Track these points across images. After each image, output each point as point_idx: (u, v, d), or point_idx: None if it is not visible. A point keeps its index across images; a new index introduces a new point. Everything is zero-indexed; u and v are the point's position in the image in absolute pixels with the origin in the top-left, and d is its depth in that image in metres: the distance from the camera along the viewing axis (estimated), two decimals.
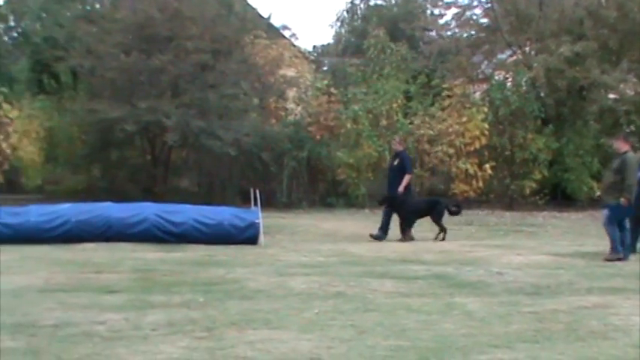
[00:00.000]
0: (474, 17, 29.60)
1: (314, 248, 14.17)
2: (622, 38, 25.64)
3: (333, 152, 24.68)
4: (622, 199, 12.30)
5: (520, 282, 9.95)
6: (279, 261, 12.12)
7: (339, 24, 44.92)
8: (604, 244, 12.84)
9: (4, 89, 23.86)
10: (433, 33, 32.47)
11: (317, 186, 25.95)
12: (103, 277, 10.12)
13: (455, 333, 6.98)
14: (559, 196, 25.80)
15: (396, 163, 16.37)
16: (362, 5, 43.91)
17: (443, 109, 25.36)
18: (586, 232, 17.49)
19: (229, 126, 22.59)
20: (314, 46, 45.06)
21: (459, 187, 24.41)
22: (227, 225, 14.78)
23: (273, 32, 29.10)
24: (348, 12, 44.37)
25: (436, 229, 15.97)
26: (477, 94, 27.17)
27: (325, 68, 35.33)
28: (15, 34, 31.58)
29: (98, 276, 10.25)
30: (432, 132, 24.57)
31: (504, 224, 20.35)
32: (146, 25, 23.27)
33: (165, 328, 7.10)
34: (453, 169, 24.53)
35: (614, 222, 12.53)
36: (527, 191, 24.82)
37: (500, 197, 25.51)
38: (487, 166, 24.46)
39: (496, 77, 27.21)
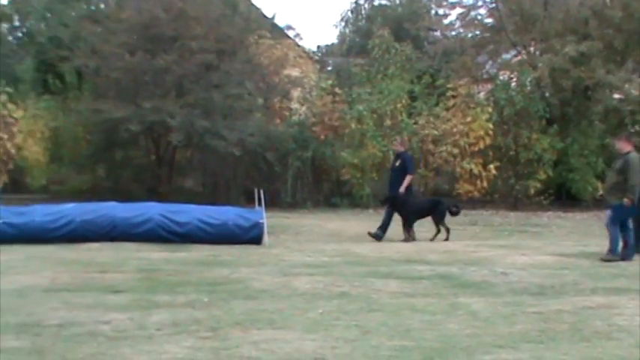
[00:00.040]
0: (479, 17, 29.58)
1: (318, 248, 14.17)
2: (627, 38, 25.59)
3: (337, 152, 24.67)
4: (625, 200, 12.28)
5: (524, 282, 9.94)
6: (284, 261, 12.13)
7: (343, 24, 44.86)
8: (608, 245, 12.82)
9: (9, 89, 23.85)
10: (438, 33, 32.45)
11: (321, 186, 25.95)
12: (108, 277, 10.13)
13: (459, 333, 6.99)
14: (564, 197, 25.77)
15: (397, 164, 16.36)
16: (366, 5, 43.82)
17: (447, 109, 25.33)
18: (591, 233, 17.45)
19: (234, 126, 22.60)
20: (318, 46, 45.07)
21: (463, 187, 24.38)
22: (231, 225, 14.79)
23: (278, 32, 29.13)
24: (352, 12, 44.29)
25: (434, 229, 15.95)
26: (482, 94, 27.12)
27: (330, 68, 35.28)
28: (20, 34, 31.57)
29: (103, 276, 10.27)
30: (436, 132, 24.55)
31: (509, 224, 20.33)
32: (151, 25, 23.29)
33: (170, 327, 7.11)
34: (458, 169, 24.50)
35: (617, 222, 12.53)
36: (532, 191, 24.77)
37: (505, 197, 25.47)
38: (491, 166, 24.42)
39: (501, 77, 27.14)
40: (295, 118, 26.61)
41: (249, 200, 19.01)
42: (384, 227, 15.94)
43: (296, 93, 27.31)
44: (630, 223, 12.66)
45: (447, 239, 15.58)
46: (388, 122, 24.81)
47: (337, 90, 26.03)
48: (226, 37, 24.00)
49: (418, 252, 13.41)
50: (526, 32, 26.97)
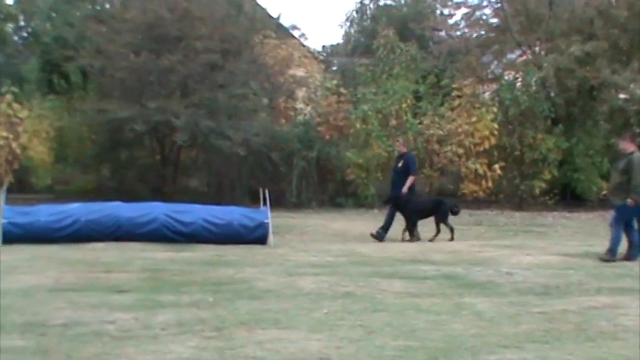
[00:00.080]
0: (484, 17, 29.56)
1: (323, 248, 14.17)
2: (632, 38, 25.52)
3: (342, 152, 24.67)
4: (628, 200, 12.27)
5: (529, 282, 9.93)
6: (289, 261, 12.13)
7: (348, 24, 44.92)
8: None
9: (14, 89, 23.91)
10: (443, 33, 32.42)
11: (326, 186, 25.93)
12: (113, 277, 10.14)
13: (464, 333, 6.98)
14: (569, 197, 25.73)
15: (400, 164, 16.35)
16: (371, 5, 43.86)
17: (452, 109, 25.32)
18: (596, 233, 17.43)
19: (239, 126, 22.59)
20: (323, 46, 45.13)
21: (468, 188, 24.36)
22: (236, 225, 14.80)
23: (283, 32, 29.11)
24: (357, 12, 44.34)
25: (434, 229, 15.95)
26: (487, 94, 27.11)
27: (335, 68, 35.31)
28: (25, 34, 31.62)
29: (108, 275, 10.28)
30: (441, 132, 24.52)
31: (514, 224, 20.30)
32: (156, 25, 23.30)
33: (175, 327, 7.11)
34: (463, 169, 24.48)
35: (621, 223, 12.51)
36: (537, 191, 24.73)
37: (510, 197, 25.44)
38: (496, 166, 24.39)
39: (506, 77, 27.11)
40: (300, 118, 26.61)
41: (254, 200, 19.02)
42: (385, 227, 15.94)
43: (301, 93, 27.31)
44: (635, 223, 12.64)
45: (451, 239, 15.58)
46: (393, 122, 24.80)
47: (342, 90, 26.05)
48: (231, 37, 24.01)
49: (423, 252, 13.40)
50: (531, 32, 26.94)
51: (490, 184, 24.39)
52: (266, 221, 14.87)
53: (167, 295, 8.82)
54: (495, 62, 29.52)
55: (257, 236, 14.73)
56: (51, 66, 27.10)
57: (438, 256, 12.82)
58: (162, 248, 13.54)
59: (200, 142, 23.85)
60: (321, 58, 36.30)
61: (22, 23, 31.23)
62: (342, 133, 25.23)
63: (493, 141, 24.32)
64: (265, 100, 25.61)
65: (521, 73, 26.57)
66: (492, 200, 25.22)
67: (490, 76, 28.64)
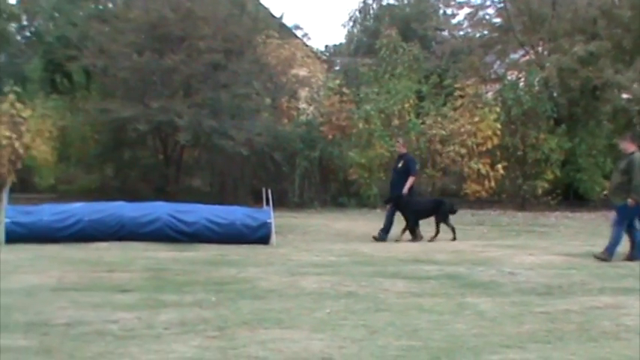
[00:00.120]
0: (487, 17, 29.53)
1: (326, 248, 14.18)
2: (636, 38, 25.51)
3: (345, 152, 24.65)
4: (629, 200, 12.26)
5: (532, 282, 9.94)
6: (291, 260, 12.14)
7: (351, 24, 44.84)
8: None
9: (17, 89, 23.90)
10: (445, 33, 32.43)
11: (329, 186, 25.93)
12: (116, 276, 10.15)
13: (467, 333, 6.99)
14: (571, 197, 25.72)
15: (400, 165, 16.35)
16: (374, 5, 43.79)
17: (455, 109, 25.27)
18: (598, 233, 17.39)
19: (241, 126, 22.58)
20: (326, 46, 45.08)
21: (470, 187, 24.34)
22: (239, 225, 14.81)
23: (286, 32, 29.12)
24: (360, 12, 44.27)
25: (433, 229, 15.95)
26: (490, 94, 27.06)
27: (337, 68, 35.25)
28: (28, 34, 31.59)
29: (110, 275, 10.29)
30: (444, 132, 24.49)
31: (516, 224, 20.30)
32: (159, 24, 23.29)
33: (178, 327, 7.12)
34: (465, 169, 24.45)
35: (623, 223, 12.50)
36: (540, 191, 24.71)
37: (513, 197, 25.41)
38: (499, 166, 24.35)
39: (508, 77, 27.09)
40: (303, 117, 26.61)
41: (256, 200, 19.03)
42: (386, 229, 15.95)
43: (303, 93, 27.30)
44: (637, 224, 12.63)
45: (453, 239, 15.59)
46: (396, 122, 24.78)
47: (345, 90, 26.00)
48: (234, 36, 23.99)
49: (425, 252, 13.41)
50: (534, 32, 26.92)
51: (493, 184, 24.35)
52: (269, 221, 14.88)
53: (170, 294, 8.83)
54: (498, 62, 29.50)
55: (260, 236, 14.75)
56: (54, 65, 27.11)
57: (440, 256, 12.83)
58: (165, 248, 13.56)
59: (203, 142, 23.85)
60: (324, 57, 36.26)
61: (24, 23, 31.19)
62: (345, 133, 25.21)
63: (496, 141, 24.28)
64: (268, 100, 25.60)
65: (524, 73, 26.53)
66: (495, 200, 25.20)
67: (493, 76, 28.61)
